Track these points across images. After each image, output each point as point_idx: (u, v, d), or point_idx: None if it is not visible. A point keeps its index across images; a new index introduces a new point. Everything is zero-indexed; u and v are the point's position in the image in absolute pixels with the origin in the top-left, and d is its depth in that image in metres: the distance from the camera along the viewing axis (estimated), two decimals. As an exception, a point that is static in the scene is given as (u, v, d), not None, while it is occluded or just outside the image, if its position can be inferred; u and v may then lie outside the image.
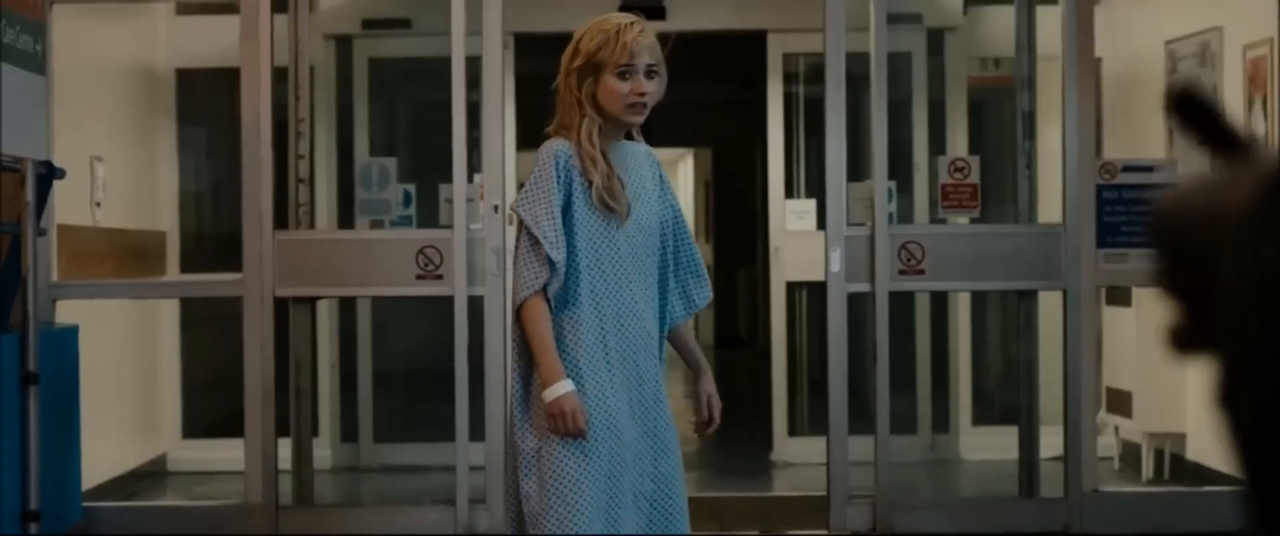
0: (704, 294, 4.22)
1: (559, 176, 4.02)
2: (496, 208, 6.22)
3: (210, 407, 8.67)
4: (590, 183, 3.99)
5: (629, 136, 4.22)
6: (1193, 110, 0.89)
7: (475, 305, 6.25)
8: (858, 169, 7.07)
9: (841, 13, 6.32)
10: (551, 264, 3.95)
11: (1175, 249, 0.87)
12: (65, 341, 6.04)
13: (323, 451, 8.26)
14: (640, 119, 4.08)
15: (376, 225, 7.80)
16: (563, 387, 3.84)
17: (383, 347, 8.73)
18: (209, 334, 8.55)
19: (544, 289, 3.92)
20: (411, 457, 8.50)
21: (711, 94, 12.79)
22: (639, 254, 4.04)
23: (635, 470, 3.98)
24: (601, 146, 4.04)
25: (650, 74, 4.04)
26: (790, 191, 8.68)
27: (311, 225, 6.94)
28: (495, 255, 6.23)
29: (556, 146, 4.04)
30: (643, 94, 4.02)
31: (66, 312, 6.33)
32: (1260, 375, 0.77)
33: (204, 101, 8.75)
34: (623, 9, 8.15)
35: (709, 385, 4.21)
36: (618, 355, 4.02)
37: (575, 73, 4.09)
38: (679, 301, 4.19)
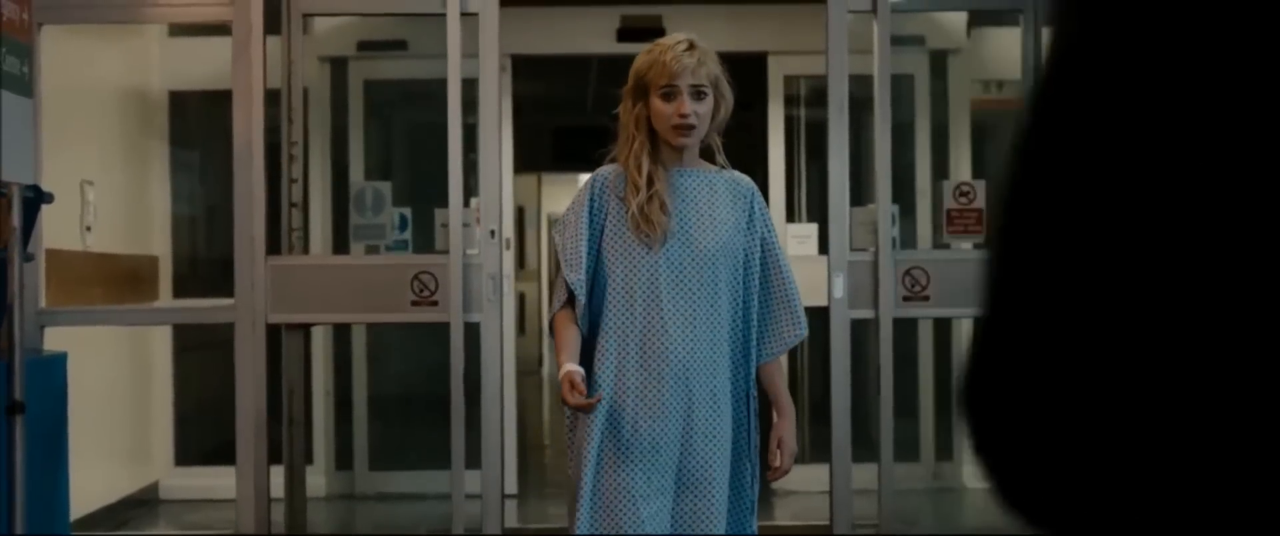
0: (796, 331, 4.15)
1: (593, 200, 4.06)
2: (493, 233, 6.11)
3: (204, 434, 8.54)
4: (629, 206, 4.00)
5: (713, 162, 4.17)
6: None
7: (471, 332, 6.13)
8: (860, 193, 6.96)
9: (844, 35, 6.21)
10: (568, 284, 4.01)
11: None
12: (53, 369, 5.92)
13: (317, 479, 8.16)
14: (688, 140, 4.05)
15: (372, 250, 7.69)
16: (563, 369, 3.91)
17: (378, 374, 8.60)
18: (203, 359, 8.43)
19: (570, 305, 4.02)
20: (408, 485, 8.38)
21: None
22: (685, 281, 4.01)
23: (645, 499, 3.94)
24: (656, 170, 4.03)
25: (698, 95, 4.02)
26: (791, 215, 8.57)
27: (305, 250, 6.83)
28: (491, 280, 6.11)
29: (599, 171, 4.10)
30: (685, 115, 3.98)
31: (56, 338, 6.21)
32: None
33: (198, 124, 8.63)
34: (622, 31, 8.11)
35: (783, 428, 4.14)
36: (636, 380, 3.97)
37: (628, 96, 4.10)
38: (770, 337, 4.14)
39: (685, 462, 3.97)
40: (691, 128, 4.00)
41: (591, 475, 3.93)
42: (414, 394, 8.63)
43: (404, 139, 9.21)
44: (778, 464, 4.10)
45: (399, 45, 8.45)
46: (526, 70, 8.54)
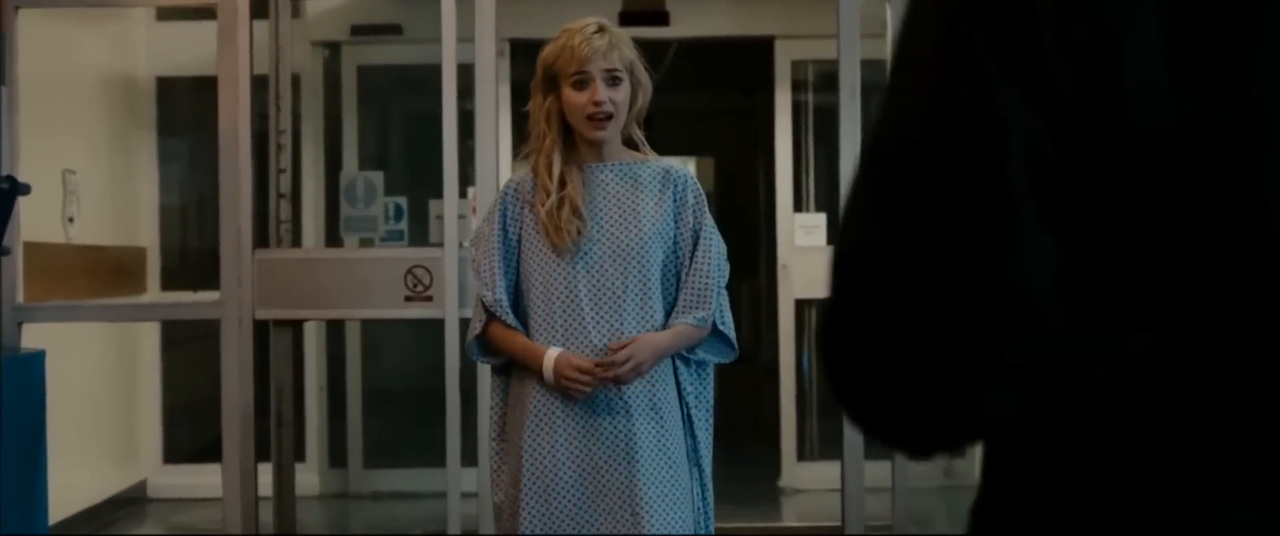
0: (700, 334, 3.78)
1: (505, 210, 3.80)
2: (490, 224, 5.85)
3: (194, 431, 8.31)
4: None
5: (636, 150, 3.89)
6: None
7: (468, 328, 5.87)
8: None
9: (856, 17, 5.94)
10: (486, 305, 3.75)
11: None
12: (30, 367, 5.66)
13: (310, 477, 7.96)
14: (605, 132, 3.76)
15: (367, 243, 7.46)
16: (548, 360, 3.65)
17: (373, 369, 8.37)
18: (192, 353, 8.19)
19: (487, 328, 3.78)
20: (403, 484, 8.17)
21: (715, 102, 12.46)
22: (607, 284, 3.72)
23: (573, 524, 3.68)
24: (569, 170, 3.75)
25: (613, 80, 3.74)
26: (799, 204, 8.33)
27: (294, 243, 6.58)
28: (489, 275, 5.86)
29: (512, 177, 3.86)
30: (600, 103, 3.71)
31: (37, 334, 5.96)
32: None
33: (187, 111, 8.39)
34: (624, 16, 7.86)
35: (635, 342, 3.68)
36: (564, 401, 3.69)
37: (537, 90, 3.81)
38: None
39: (633, 484, 3.66)
40: (608, 116, 3.73)
41: (528, 516, 3.67)
42: (410, 389, 8.39)
43: (400, 127, 8.98)
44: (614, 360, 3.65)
45: (394, 29, 8.20)
46: (527, 55, 8.29)
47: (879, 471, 6.30)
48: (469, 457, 5.97)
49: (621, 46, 3.79)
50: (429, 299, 5.81)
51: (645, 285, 3.73)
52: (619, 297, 3.71)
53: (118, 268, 7.62)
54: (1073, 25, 1.07)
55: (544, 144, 3.78)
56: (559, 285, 3.71)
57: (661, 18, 7.47)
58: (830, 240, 7.43)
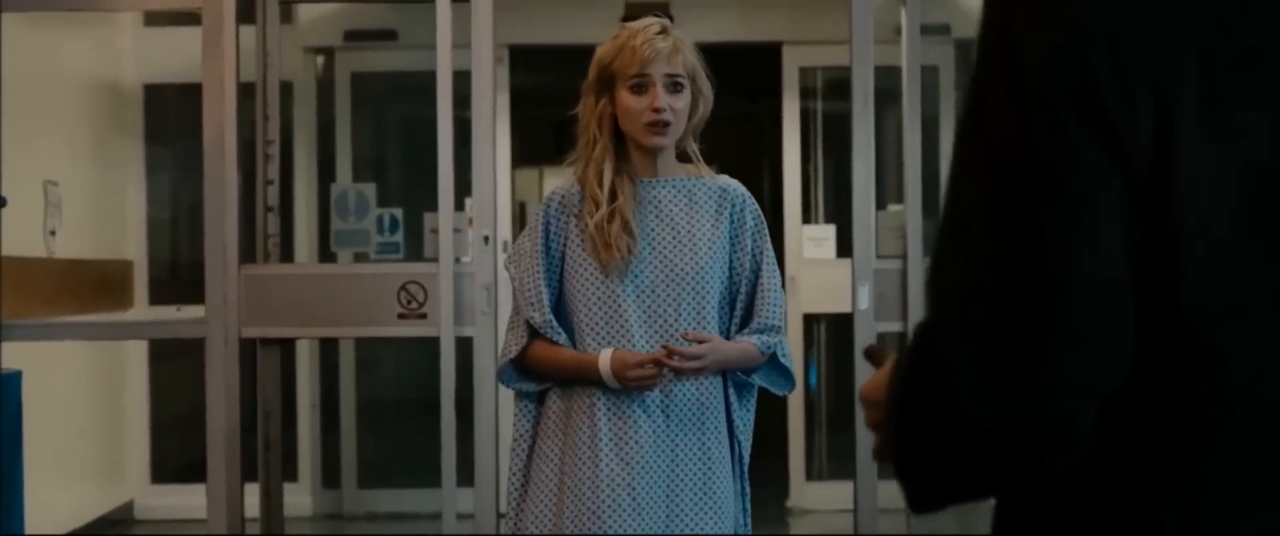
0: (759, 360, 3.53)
1: (548, 223, 3.49)
2: (487, 239, 5.60)
3: (183, 448, 8.06)
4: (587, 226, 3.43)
5: (688, 162, 3.62)
6: (873, 355, 1.75)
7: (463, 346, 5.63)
8: (882, 194, 6.49)
9: (869, 22, 5.69)
10: (530, 327, 3.45)
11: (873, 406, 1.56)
12: (6, 389, 5.41)
13: (303, 498, 7.75)
14: (663, 140, 3.46)
15: (361, 257, 7.21)
16: (604, 361, 3.36)
17: (368, 385, 8.14)
18: (181, 367, 7.93)
19: (527, 349, 3.48)
20: (398, 504, 7.94)
21: (719, 109, 12.19)
22: (659, 311, 3.43)
23: None
24: (621, 181, 3.46)
25: (674, 87, 3.44)
26: (807, 216, 8.09)
27: (282, 258, 6.32)
28: (485, 291, 5.60)
29: (556, 187, 3.54)
30: (660, 109, 3.41)
31: (18, 349, 5.70)
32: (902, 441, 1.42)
33: (175, 119, 8.14)
34: (627, 20, 7.63)
35: (712, 341, 3.41)
36: (607, 436, 3.42)
37: (589, 91, 3.51)
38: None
39: (674, 496, 3.41)
40: (666, 124, 3.44)
41: None
42: (406, 406, 8.16)
43: (397, 135, 8.74)
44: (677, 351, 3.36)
45: (389, 35, 7.96)
46: (526, 61, 8.09)
47: (891, 490, 6.05)
48: (465, 477, 5.74)
49: (685, 51, 3.51)
50: (423, 316, 5.57)
51: (700, 313, 3.45)
52: (671, 325, 3.44)
53: (103, 282, 7.38)
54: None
55: (594, 151, 3.51)
56: (606, 306, 3.44)
57: (665, 22, 7.23)
58: (840, 253, 7.19)
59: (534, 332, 3.50)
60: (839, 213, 7.78)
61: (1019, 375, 1.27)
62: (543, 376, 3.54)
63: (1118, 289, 1.26)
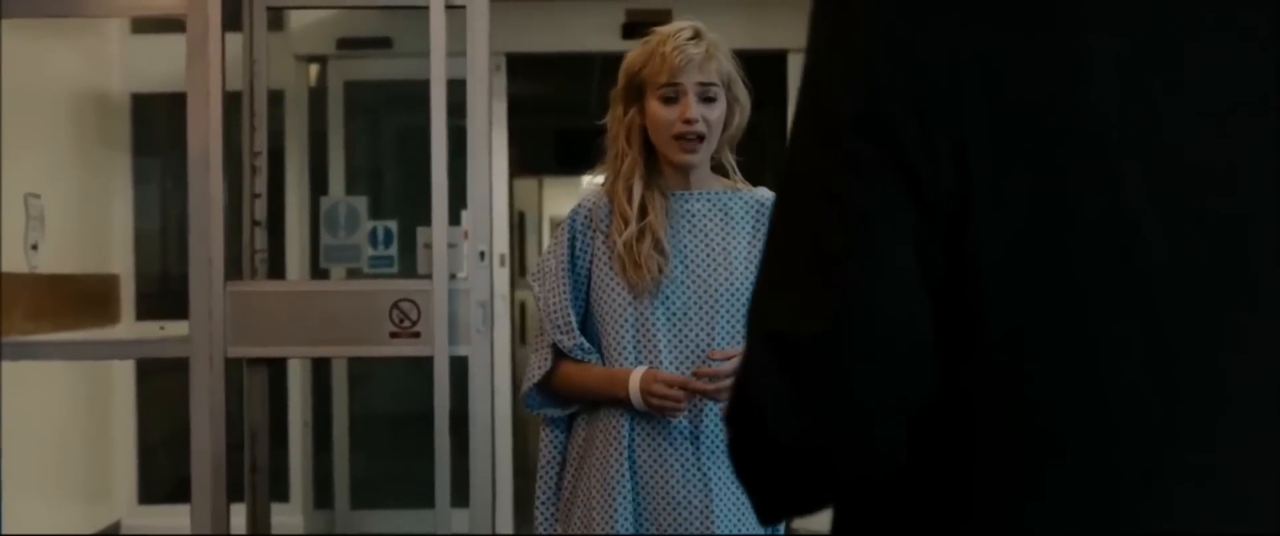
0: None
1: (573, 240, 3.27)
2: (483, 254, 5.38)
3: (172, 467, 7.86)
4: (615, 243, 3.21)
5: (725, 176, 3.40)
6: None
7: (458, 365, 5.41)
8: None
9: (880, 29, 5.47)
10: (556, 349, 3.24)
11: None
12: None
13: (294, 518, 7.54)
14: (695, 155, 3.24)
15: (354, 273, 7.01)
16: (634, 380, 3.15)
17: (361, 402, 7.94)
18: (169, 385, 7.73)
19: (554, 371, 3.28)
20: (392, 525, 7.74)
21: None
22: (690, 334, 3.20)
23: None
24: (652, 196, 3.23)
25: (707, 96, 3.21)
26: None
27: (271, 274, 6.10)
28: (481, 308, 5.38)
29: (582, 201, 3.31)
30: (692, 120, 3.18)
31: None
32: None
33: (164, 129, 7.94)
34: (627, 27, 7.44)
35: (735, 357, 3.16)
36: (647, 463, 3.20)
37: (617, 101, 3.27)
38: None
39: (708, 521, 3.19)
40: (700, 137, 3.22)
41: None
42: (401, 423, 7.96)
43: (392, 146, 8.54)
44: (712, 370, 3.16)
45: (383, 42, 7.77)
46: (525, 69, 7.91)
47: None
48: (460, 498, 5.52)
49: (720, 57, 3.29)
50: (416, 335, 5.34)
51: (736, 336, 3.23)
52: (704, 349, 3.22)
53: (88, 296, 7.17)
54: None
55: (623, 165, 3.28)
56: (634, 329, 3.23)
57: (667, 29, 7.07)
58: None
59: (560, 354, 3.30)
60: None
61: (816, 403, 1.35)
62: (570, 399, 3.35)
63: (910, 316, 1.34)
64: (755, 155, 10.34)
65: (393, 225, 7.17)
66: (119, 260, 7.74)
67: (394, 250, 7.15)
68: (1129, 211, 1.34)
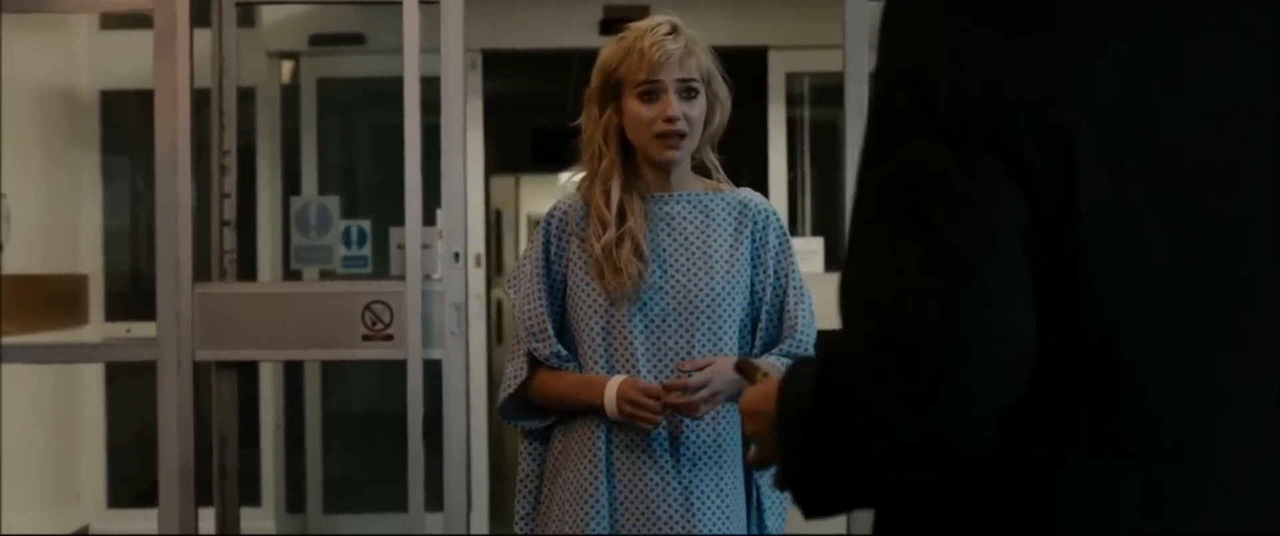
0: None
1: (548, 244, 3.16)
2: (457, 255, 5.27)
3: (142, 471, 7.74)
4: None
5: (707, 176, 3.27)
6: (744, 368, 2.05)
7: (432, 369, 5.30)
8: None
9: (864, 27, 5.37)
10: (532, 358, 3.13)
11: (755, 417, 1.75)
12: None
13: (265, 522, 7.44)
14: (676, 153, 3.13)
15: (327, 274, 6.90)
16: (611, 388, 3.04)
17: (334, 404, 7.84)
18: (138, 386, 7.61)
19: (530, 380, 3.16)
20: (366, 529, 7.64)
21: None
22: (669, 342, 3.10)
23: None
24: (630, 199, 3.12)
25: (687, 93, 3.10)
26: (794, 227, 7.81)
27: (241, 276, 5.99)
28: (456, 311, 5.27)
29: (558, 203, 3.20)
30: (672, 118, 3.07)
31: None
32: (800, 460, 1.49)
33: (134, 127, 7.82)
34: (604, 24, 7.34)
35: (714, 364, 3.07)
36: (625, 475, 3.09)
37: (593, 100, 3.16)
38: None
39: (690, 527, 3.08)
40: (681, 135, 3.12)
41: None
42: (374, 425, 7.87)
43: (366, 144, 8.44)
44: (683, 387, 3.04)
45: (356, 39, 7.66)
46: (500, 66, 7.81)
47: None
48: (434, 502, 5.42)
49: (699, 52, 3.20)
50: (389, 338, 5.23)
51: (717, 344, 3.13)
52: (684, 358, 3.12)
53: (55, 298, 7.06)
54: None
55: (600, 166, 3.18)
56: (611, 337, 3.12)
57: (645, 26, 6.99)
58: (828, 267, 6.89)
59: (536, 362, 3.19)
60: (827, 224, 7.54)
61: (941, 404, 1.36)
62: (547, 409, 3.24)
63: (1029, 319, 1.37)
64: (736, 154, 10.22)
65: (367, 224, 7.07)
66: (88, 260, 7.65)
67: (368, 250, 7.05)
68: (1129, 211, 1.37)
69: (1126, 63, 1.38)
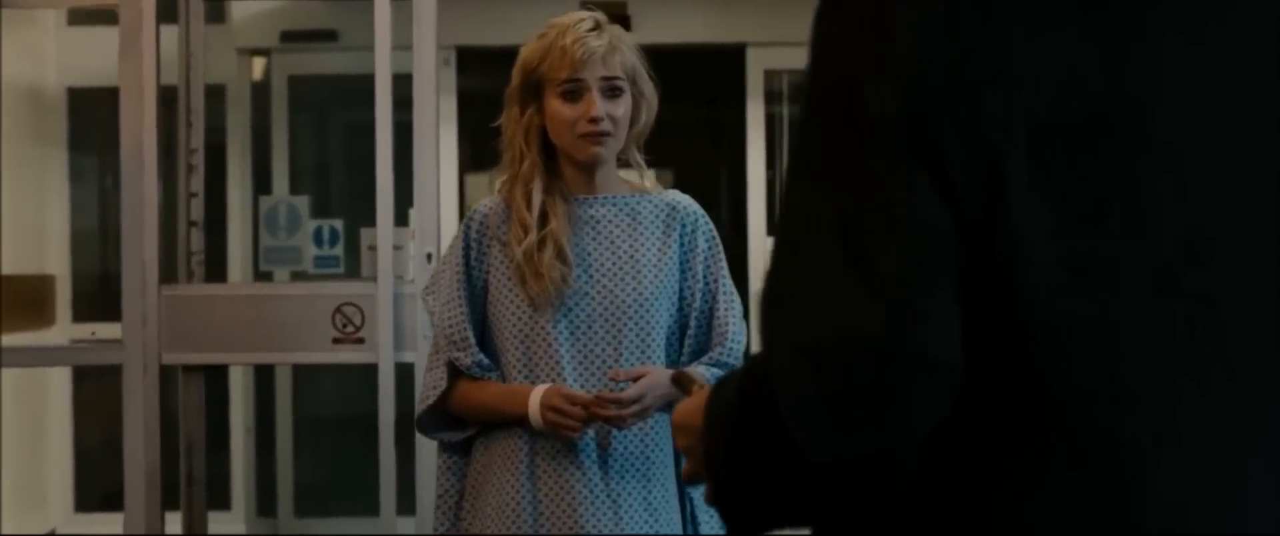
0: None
1: (468, 249, 3.05)
2: (430, 256, 5.17)
3: (108, 474, 7.64)
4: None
5: (634, 179, 3.20)
6: (680, 380, 1.99)
7: (404, 372, 5.20)
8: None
9: (844, 22, 5.29)
10: (453, 367, 3.02)
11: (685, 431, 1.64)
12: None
13: (236, 527, 7.36)
14: (601, 150, 3.02)
15: (299, 276, 6.80)
16: (535, 397, 2.93)
17: (306, 406, 7.75)
18: (106, 388, 7.53)
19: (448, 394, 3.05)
20: (338, 531, 7.55)
21: (678, 114, 11.94)
22: (596, 350, 3.00)
23: None
24: (553, 201, 3.01)
25: (612, 91, 3.00)
26: (772, 227, 7.75)
27: (211, 277, 5.88)
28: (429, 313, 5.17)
29: (476, 209, 3.09)
30: (597, 118, 2.97)
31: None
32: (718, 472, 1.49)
33: (102, 124, 7.73)
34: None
35: (648, 375, 2.99)
36: (550, 489, 2.99)
37: (512, 100, 3.05)
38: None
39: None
40: (605, 134, 3.02)
41: None
42: (347, 427, 7.78)
43: (339, 142, 8.36)
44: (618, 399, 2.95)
45: (328, 35, 7.58)
46: (475, 63, 7.74)
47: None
48: (406, 506, 5.34)
49: (624, 49, 3.09)
50: (360, 341, 5.14)
51: (645, 351, 3.04)
52: (610, 366, 3.03)
53: (21, 298, 6.95)
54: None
55: (521, 168, 3.07)
56: (534, 345, 3.02)
57: (623, 23, 6.90)
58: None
59: (456, 372, 3.08)
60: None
61: (865, 421, 1.32)
62: (468, 420, 3.13)
63: (954, 329, 1.32)
64: (713, 148, 10.09)
65: (339, 224, 6.97)
66: (55, 260, 7.57)
67: (340, 250, 6.95)
68: (1061, 226, 1.34)
69: (1064, 72, 1.35)
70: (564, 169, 3.11)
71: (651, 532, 3.02)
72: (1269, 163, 1.40)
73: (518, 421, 3.01)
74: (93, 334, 6.57)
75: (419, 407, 3.16)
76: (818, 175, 1.37)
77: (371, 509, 5.95)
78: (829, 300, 1.32)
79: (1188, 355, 1.37)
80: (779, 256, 1.40)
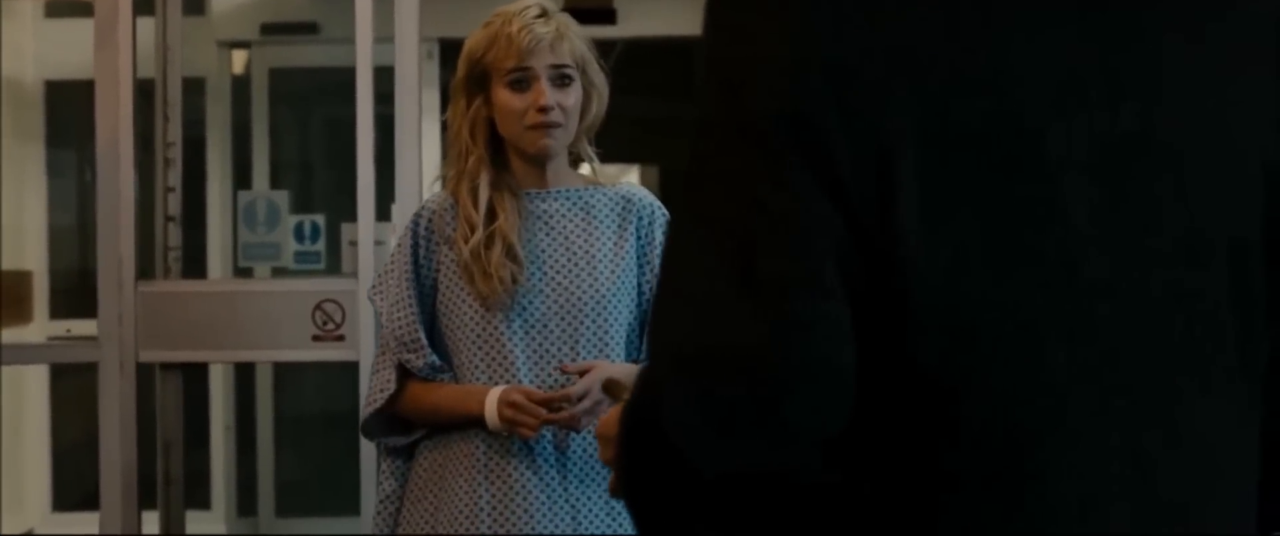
0: None
1: (416, 246, 2.96)
2: (412, 252, 5.09)
3: (86, 473, 7.57)
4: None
5: (579, 167, 3.13)
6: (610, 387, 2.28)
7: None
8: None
9: (833, 15, 5.22)
10: (402, 369, 2.92)
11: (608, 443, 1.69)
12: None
13: (216, 527, 7.29)
14: (551, 142, 2.93)
15: (279, 272, 6.72)
16: (491, 397, 2.84)
17: (287, 404, 7.68)
18: (84, 386, 7.44)
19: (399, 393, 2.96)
20: (319, 531, 7.47)
21: (664, 108, 11.87)
22: (549, 349, 2.91)
23: None
24: (501, 196, 2.92)
25: (561, 80, 2.91)
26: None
27: (189, 273, 5.81)
28: (410, 310, 5.10)
29: (423, 205, 3.02)
30: (546, 108, 2.88)
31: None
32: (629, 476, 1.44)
33: (80, 118, 7.66)
34: (566, 11, 7.19)
35: (595, 369, 2.89)
36: (491, 493, 2.89)
37: (459, 92, 2.96)
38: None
39: None
40: (555, 125, 2.93)
41: None
42: (328, 424, 7.72)
43: (320, 136, 8.29)
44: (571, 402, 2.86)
45: (309, 28, 7.51)
46: (458, 56, 7.67)
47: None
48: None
49: (572, 37, 2.99)
50: (341, 338, 5.06)
51: (602, 349, 2.95)
52: (558, 357, 2.94)
53: (-4, 294, 6.88)
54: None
55: (468, 163, 2.97)
56: (487, 346, 2.92)
57: (608, 16, 6.84)
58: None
59: (406, 374, 2.99)
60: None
61: (749, 432, 1.27)
62: (418, 422, 3.04)
63: (842, 335, 1.26)
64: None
65: (320, 219, 6.90)
66: (32, 256, 7.49)
67: (321, 246, 6.88)
68: (954, 227, 1.29)
69: (956, 71, 1.29)
70: (513, 163, 3.02)
71: (613, 534, 2.94)
72: (1269, 163, 1.37)
73: (472, 422, 2.93)
74: (68, 330, 6.48)
75: (365, 412, 3.06)
76: (703, 176, 1.33)
77: (351, 508, 5.88)
78: (709, 308, 1.28)
79: (1188, 355, 1.34)
80: (665, 259, 1.37)
